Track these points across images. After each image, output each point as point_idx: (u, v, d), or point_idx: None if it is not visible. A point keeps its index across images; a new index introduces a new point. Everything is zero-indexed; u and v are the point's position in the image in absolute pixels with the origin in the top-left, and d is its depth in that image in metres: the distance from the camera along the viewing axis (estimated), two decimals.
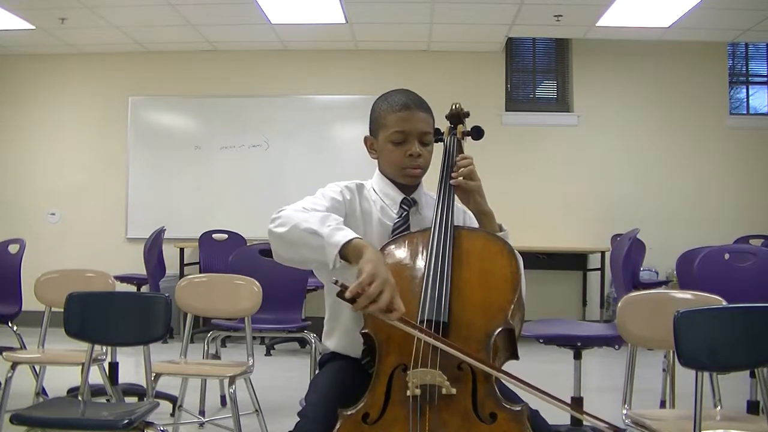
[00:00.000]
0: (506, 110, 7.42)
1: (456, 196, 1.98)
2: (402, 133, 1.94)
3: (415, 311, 1.72)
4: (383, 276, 1.57)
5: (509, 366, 1.82)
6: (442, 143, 2.10)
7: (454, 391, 1.59)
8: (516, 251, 1.90)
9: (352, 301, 1.56)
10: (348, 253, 1.65)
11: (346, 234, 1.67)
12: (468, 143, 2.12)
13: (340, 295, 1.57)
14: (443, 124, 2.14)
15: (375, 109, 2.02)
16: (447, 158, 2.03)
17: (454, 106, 2.14)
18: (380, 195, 2.04)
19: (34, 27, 6.61)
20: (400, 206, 2.00)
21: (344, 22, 6.48)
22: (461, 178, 1.93)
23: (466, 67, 7.30)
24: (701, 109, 7.29)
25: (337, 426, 1.62)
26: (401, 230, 1.95)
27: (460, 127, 2.11)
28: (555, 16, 6.28)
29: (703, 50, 7.18)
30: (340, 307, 1.96)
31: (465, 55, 7.31)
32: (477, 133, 2.11)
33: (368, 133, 2.05)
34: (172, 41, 7.13)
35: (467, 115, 2.14)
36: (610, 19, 6.33)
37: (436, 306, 1.70)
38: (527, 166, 7.29)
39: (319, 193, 1.97)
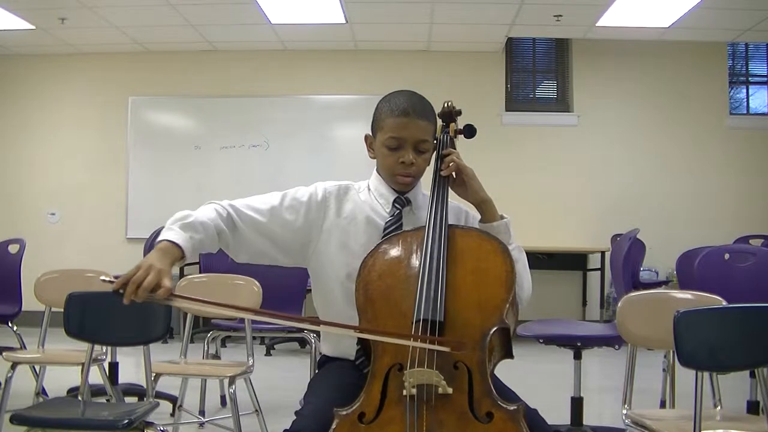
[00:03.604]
0: (506, 110, 7.42)
1: (453, 191, 1.97)
2: (397, 140, 1.93)
3: (410, 311, 1.72)
4: (148, 263, 1.68)
5: (505, 365, 1.82)
6: (435, 141, 2.09)
7: (450, 390, 1.59)
8: (520, 249, 1.91)
9: (122, 293, 1.66)
10: None
11: (164, 236, 1.78)
12: (461, 141, 2.12)
13: (114, 291, 1.67)
14: (437, 123, 2.14)
15: (377, 108, 2.01)
16: (439, 157, 2.02)
17: (446, 105, 2.13)
18: (374, 194, 2.03)
19: (34, 27, 6.61)
20: (393, 205, 2.00)
21: (344, 22, 6.48)
22: (447, 170, 1.94)
23: (466, 67, 7.30)
24: (701, 109, 7.29)
25: (333, 426, 1.62)
26: (393, 229, 1.95)
27: (452, 126, 2.10)
28: (555, 16, 6.28)
29: (703, 50, 7.18)
30: (333, 315, 1.96)
31: (465, 55, 7.31)
32: (469, 131, 2.10)
33: (369, 132, 2.05)
34: (172, 41, 7.13)
35: (459, 113, 2.13)
36: (610, 19, 6.33)
37: (432, 305, 1.70)
38: (527, 166, 7.29)
39: (286, 191, 2.00)
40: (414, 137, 1.93)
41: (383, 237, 1.93)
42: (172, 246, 1.77)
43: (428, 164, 2.01)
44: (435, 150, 2.04)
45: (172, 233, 1.78)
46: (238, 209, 1.92)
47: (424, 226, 1.86)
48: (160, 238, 1.79)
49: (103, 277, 1.71)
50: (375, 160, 2.06)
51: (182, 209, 1.89)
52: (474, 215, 2.04)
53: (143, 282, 1.64)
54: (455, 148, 2.07)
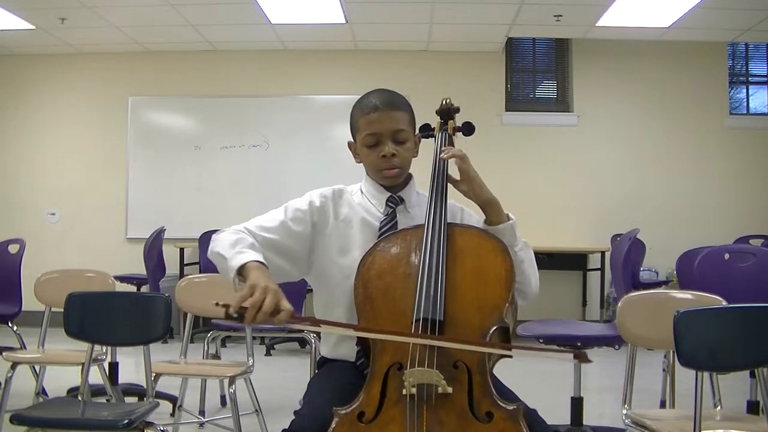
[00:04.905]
0: (506, 110, 7.42)
1: (458, 190, 1.96)
2: (373, 135, 1.94)
3: (410, 309, 1.72)
4: (262, 284, 1.62)
5: (505, 365, 1.82)
6: (433, 140, 2.08)
7: (450, 390, 1.59)
8: (526, 245, 1.92)
9: (241, 318, 1.59)
10: (244, 275, 1.73)
11: (244, 258, 1.74)
12: (459, 139, 2.11)
13: (227, 315, 1.60)
14: (435, 121, 2.14)
15: (351, 114, 2.02)
16: (438, 155, 2.01)
17: (444, 102, 2.13)
18: (367, 196, 2.04)
19: (34, 27, 6.61)
20: (386, 205, 2.00)
21: (344, 22, 6.48)
22: (453, 157, 1.89)
23: (466, 67, 7.30)
24: (701, 109, 7.29)
25: (333, 425, 1.62)
26: (388, 228, 1.95)
27: (450, 123, 2.10)
28: (555, 16, 6.28)
29: (703, 50, 7.18)
30: (334, 319, 1.96)
31: (465, 55, 7.31)
32: (468, 128, 2.10)
33: (351, 139, 2.05)
34: (172, 41, 7.13)
35: (457, 110, 2.13)
36: (610, 19, 6.33)
37: (432, 304, 1.70)
38: (527, 166, 7.29)
39: (283, 205, 2.01)
40: (389, 129, 1.94)
41: (380, 236, 1.93)
42: (262, 266, 1.74)
43: (414, 155, 2.01)
44: (430, 142, 2.04)
45: (249, 254, 1.75)
46: (253, 232, 1.91)
47: (423, 225, 1.86)
48: (241, 261, 1.73)
49: (215, 301, 1.62)
50: (362, 164, 2.06)
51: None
52: (470, 212, 2.03)
53: (263, 305, 1.60)
54: (453, 146, 2.07)
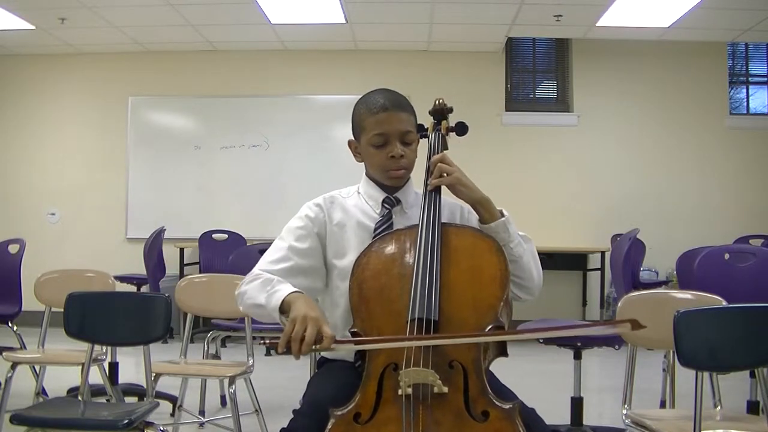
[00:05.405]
0: (506, 110, 7.42)
1: (449, 190, 1.97)
2: (382, 136, 1.93)
3: (404, 309, 1.72)
4: (301, 315, 1.64)
5: (506, 365, 1.82)
6: (427, 140, 2.08)
7: (446, 389, 1.59)
8: (526, 239, 1.93)
9: (288, 351, 1.62)
10: (285, 311, 1.75)
11: (280, 296, 1.78)
12: (453, 139, 2.11)
13: (277, 352, 1.63)
14: (429, 121, 2.14)
15: (355, 112, 2.01)
16: (431, 155, 2.00)
17: (437, 102, 2.13)
18: (364, 197, 2.04)
19: (34, 27, 6.61)
20: (382, 205, 2.00)
21: (344, 22, 6.49)
22: (435, 180, 1.90)
23: (466, 67, 7.30)
24: (701, 109, 7.29)
25: (329, 426, 1.62)
26: (383, 229, 1.95)
27: (444, 123, 2.10)
28: (555, 16, 6.28)
29: (702, 50, 7.18)
30: (334, 320, 1.96)
31: (465, 55, 7.31)
32: (461, 128, 2.10)
33: (352, 137, 2.05)
34: (172, 41, 7.13)
35: (451, 110, 2.13)
36: (610, 19, 6.33)
37: (426, 304, 1.69)
38: (527, 166, 7.29)
39: (283, 230, 2.02)
40: (397, 130, 1.93)
41: (374, 236, 1.93)
42: (299, 294, 1.78)
43: (416, 156, 2.01)
44: (424, 142, 2.04)
45: (281, 290, 1.80)
46: (269, 270, 1.93)
47: (418, 225, 1.86)
48: (278, 301, 1.77)
49: (261, 340, 1.70)
50: (363, 164, 2.05)
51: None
52: (469, 208, 2.02)
53: (305, 336, 1.62)
54: (447, 146, 2.07)
